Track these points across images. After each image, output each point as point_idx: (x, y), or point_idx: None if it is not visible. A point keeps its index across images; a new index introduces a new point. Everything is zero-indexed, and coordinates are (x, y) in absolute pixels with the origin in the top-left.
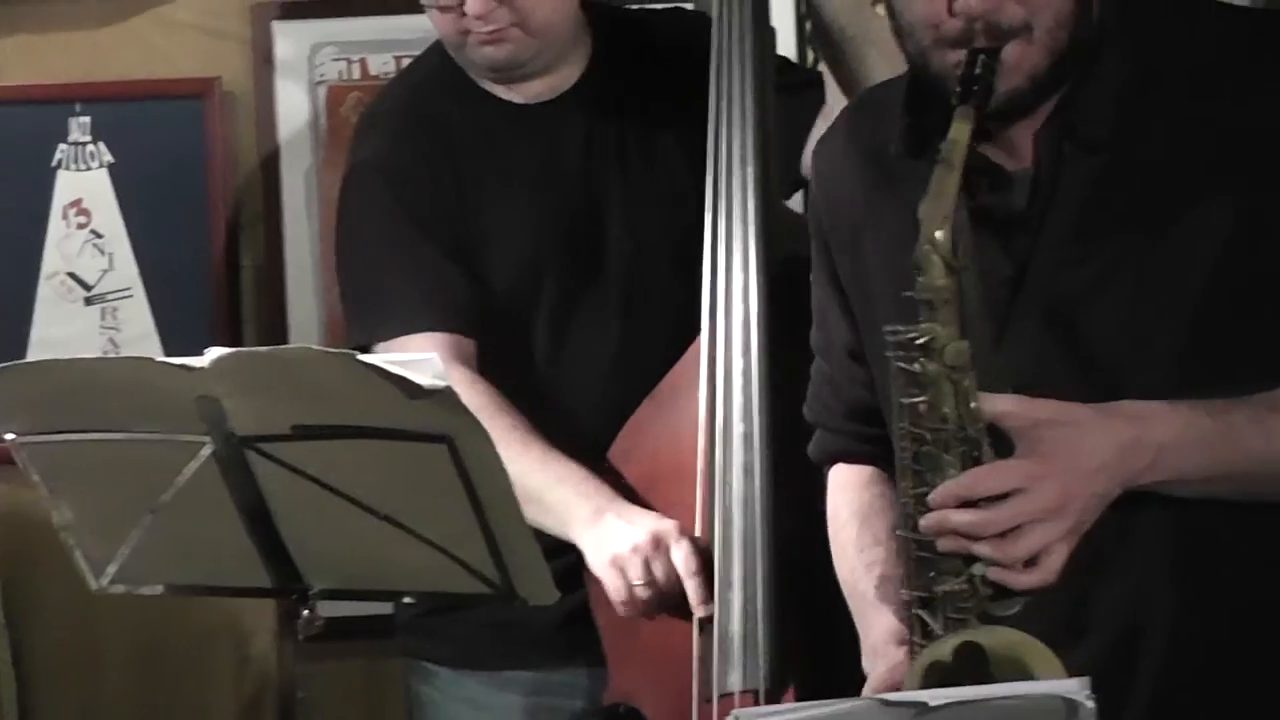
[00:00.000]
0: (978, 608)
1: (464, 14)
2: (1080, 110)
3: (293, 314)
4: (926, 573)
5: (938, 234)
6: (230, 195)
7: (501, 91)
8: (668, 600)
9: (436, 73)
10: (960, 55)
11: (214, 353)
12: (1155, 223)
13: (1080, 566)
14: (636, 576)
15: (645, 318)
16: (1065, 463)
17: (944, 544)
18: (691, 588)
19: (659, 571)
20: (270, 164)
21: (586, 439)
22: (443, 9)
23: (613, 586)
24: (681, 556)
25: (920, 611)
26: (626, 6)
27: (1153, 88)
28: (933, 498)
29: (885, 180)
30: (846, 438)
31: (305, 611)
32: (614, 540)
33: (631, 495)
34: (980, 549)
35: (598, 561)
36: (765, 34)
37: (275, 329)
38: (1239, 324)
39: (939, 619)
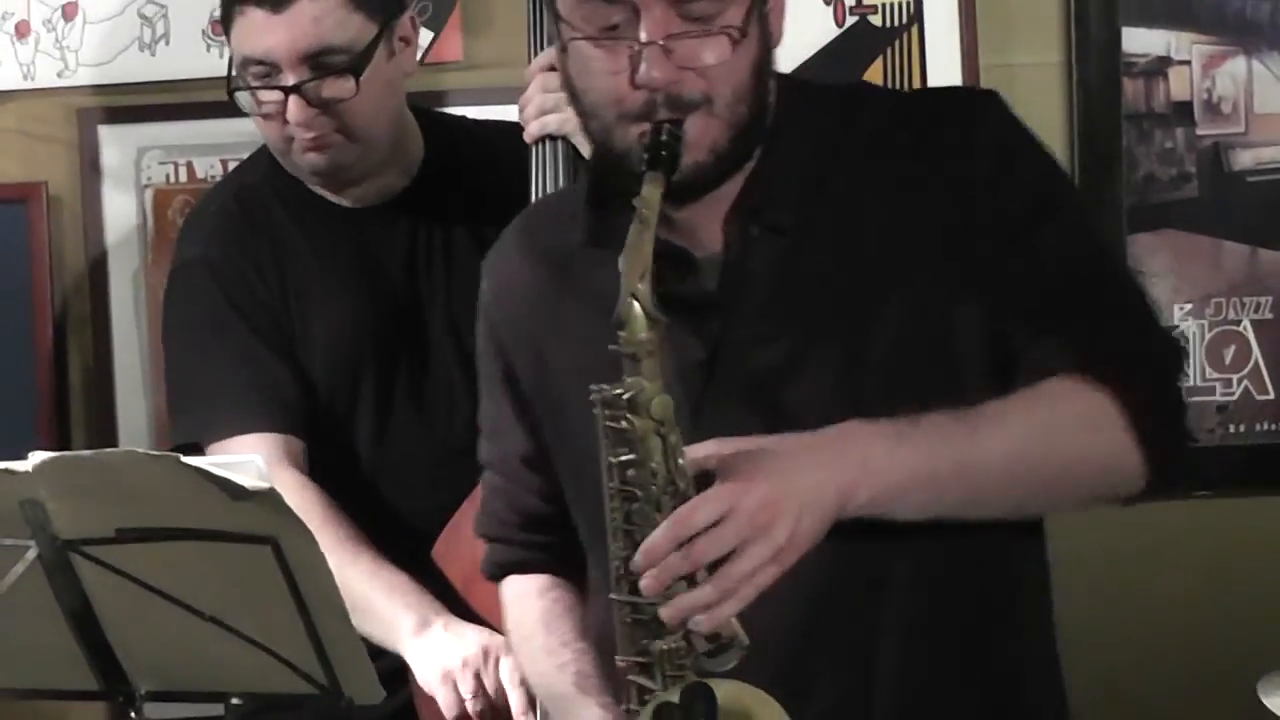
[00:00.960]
0: (695, 664)
1: (287, 121)
2: (764, 194)
3: (122, 416)
4: (641, 636)
5: (639, 286)
6: (57, 298)
7: (330, 195)
8: (499, 713)
9: (264, 175)
10: (644, 128)
11: (37, 456)
12: (842, 297)
13: (802, 616)
14: (468, 691)
15: (468, 418)
16: (767, 474)
17: (666, 613)
18: (515, 699)
19: (489, 684)
20: (98, 267)
21: (412, 538)
22: (266, 116)
23: (445, 701)
24: (508, 668)
25: (637, 678)
26: (459, 116)
27: (830, 169)
28: (638, 558)
29: (565, 283)
30: (522, 549)
31: (132, 714)
32: (443, 654)
33: (452, 595)
34: (701, 594)
35: (428, 675)
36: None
37: (104, 431)
38: (928, 388)
39: (658, 679)
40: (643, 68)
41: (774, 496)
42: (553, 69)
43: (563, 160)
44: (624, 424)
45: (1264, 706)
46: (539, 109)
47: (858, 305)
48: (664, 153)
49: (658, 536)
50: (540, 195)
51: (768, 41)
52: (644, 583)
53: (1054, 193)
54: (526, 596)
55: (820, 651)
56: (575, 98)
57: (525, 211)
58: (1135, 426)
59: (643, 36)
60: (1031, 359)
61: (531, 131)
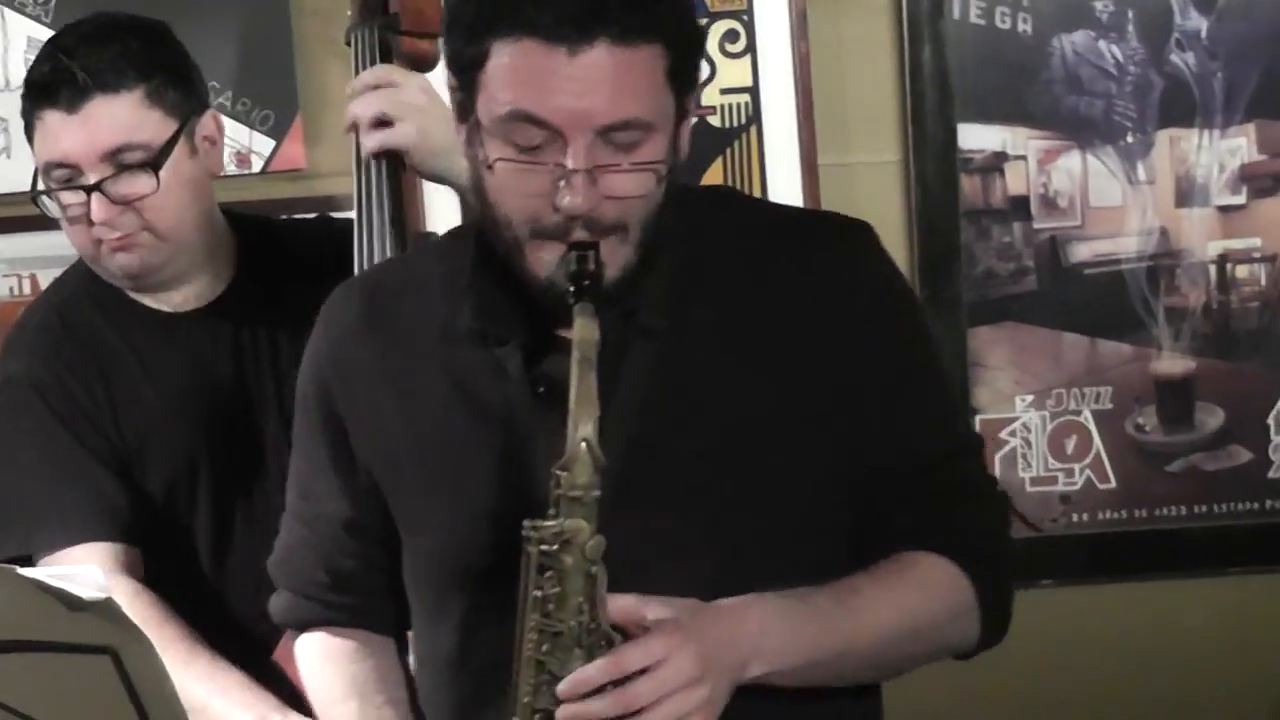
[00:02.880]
0: None
1: (92, 223)
2: (640, 299)
3: None
4: None
5: (588, 433)
6: None
7: (148, 300)
8: None
9: (82, 285)
10: (558, 248)
11: None
12: (711, 404)
13: None
14: None
15: None
16: (700, 633)
17: None
18: None
19: None
20: None
21: (254, 643)
22: (72, 221)
23: None
24: None
25: None
26: (267, 217)
27: (700, 276)
28: (565, 686)
29: (413, 355)
30: (325, 606)
31: None
32: None
33: (296, 698)
34: None
35: None
36: (403, 236)
37: None
38: (788, 509)
39: None
40: (567, 194)
41: (705, 655)
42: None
43: (388, 186)
44: (554, 561)
45: None
46: (374, 118)
47: (724, 420)
48: (588, 281)
49: (591, 671)
50: (368, 222)
51: (676, 162)
52: (564, 712)
53: (923, 340)
54: (337, 659)
55: None
56: (484, 203)
57: (369, 277)
58: (980, 600)
59: (569, 164)
60: (893, 526)
61: (369, 146)
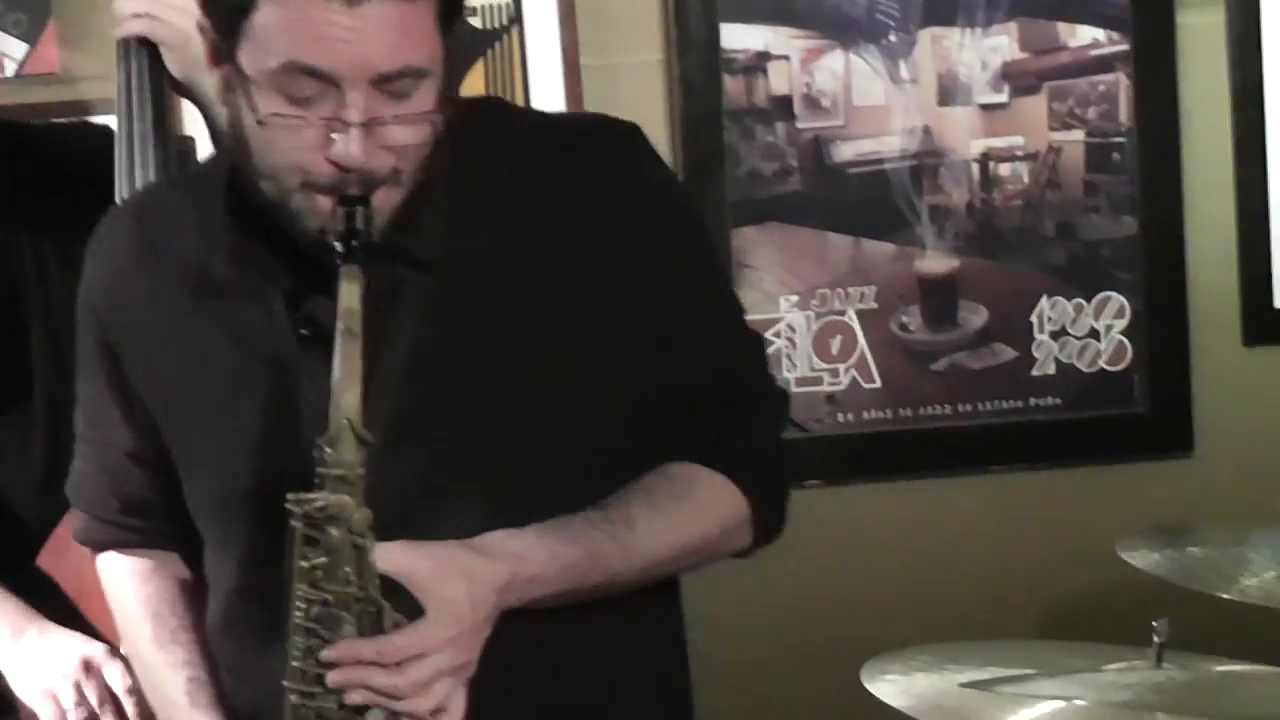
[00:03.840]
0: None
1: None
2: (414, 233)
3: None
4: None
5: (352, 410)
6: None
7: None
8: None
9: None
10: (329, 202)
11: None
12: (490, 335)
13: None
14: (69, 703)
15: (70, 440)
16: (467, 621)
17: (354, 697)
18: (129, 705)
19: (93, 695)
20: None
21: (17, 549)
22: None
23: (47, 714)
24: (116, 676)
25: None
26: (27, 122)
27: (476, 197)
28: (332, 655)
29: (186, 290)
30: (119, 529)
31: None
32: (41, 666)
33: (64, 605)
34: (396, 705)
35: (27, 689)
36: (166, 140)
37: None
38: (584, 419)
39: None
40: (341, 146)
41: (470, 648)
42: None
43: (150, 86)
44: (320, 534)
45: (867, 691)
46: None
47: (500, 352)
48: (355, 241)
49: (361, 647)
50: (129, 125)
51: (450, 107)
52: (334, 676)
53: (701, 245)
54: (129, 580)
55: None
56: (249, 155)
57: (138, 201)
58: (757, 516)
59: (348, 116)
60: (672, 440)
61: (128, 30)
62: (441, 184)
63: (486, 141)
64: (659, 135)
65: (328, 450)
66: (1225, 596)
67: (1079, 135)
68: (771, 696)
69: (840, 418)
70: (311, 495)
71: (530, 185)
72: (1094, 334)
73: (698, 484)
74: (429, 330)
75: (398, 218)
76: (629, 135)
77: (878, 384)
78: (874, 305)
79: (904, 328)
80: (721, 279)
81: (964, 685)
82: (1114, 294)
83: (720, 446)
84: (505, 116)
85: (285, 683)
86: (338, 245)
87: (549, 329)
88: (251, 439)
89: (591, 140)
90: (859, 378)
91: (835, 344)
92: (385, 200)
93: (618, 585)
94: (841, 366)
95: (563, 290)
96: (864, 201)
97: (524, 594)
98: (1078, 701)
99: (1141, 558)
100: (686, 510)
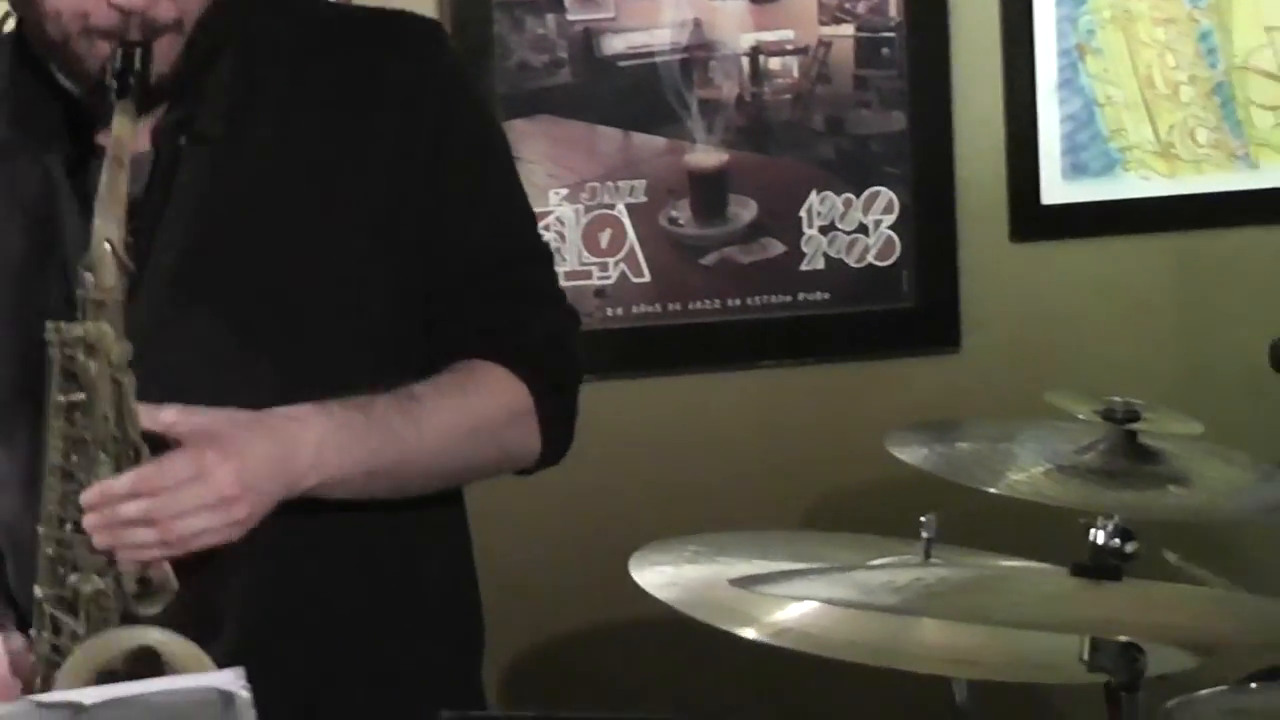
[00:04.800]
0: (121, 607)
1: None
2: (194, 100)
3: None
4: (65, 572)
5: (111, 234)
6: None
7: None
8: None
9: None
10: (109, 46)
11: None
12: (271, 217)
13: (213, 558)
14: None
15: None
16: (239, 453)
17: (101, 539)
18: None
19: None
20: None
21: None
22: None
23: None
24: None
25: (56, 611)
26: None
27: (267, 74)
28: (91, 496)
29: None
30: None
31: None
32: None
33: None
34: (144, 535)
35: None
36: None
37: None
38: (345, 326)
39: (80, 619)
40: None
41: (244, 475)
42: None
43: None
44: (78, 366)
45: (636, 584)
46: None
47: (286, 226)
48: (132, 80)
49: (117, 484)
50: None
51: None
52: (89, 519)
53: (491, 143)
54: None
55: (230, 593)
56: (30, 2)
57: None
58: (542, 416)
59: None
60: (457, 335)
61: None
62: (229, 60)
63: (280, 25)
64: None
65: (87, 275)
66: (992, 491)
67: (849, 30)
68: (540, 590)
69: (609, 312)
70: (71, 324)
71: (326, 69)
72: (863, 229)
73: (481, 371)
74: (213, 203)
75: (182, 82)
76: (430, 29)
77: (647, 278)
78: (644, 199)
79: (673, 221)
80: (513, 185)
81: (733, 582)
82: (883, 189)
83: (502, 340)
84: (302, 1)
85: (40, 528)
86: (113, 81)
87: (335, 209)
88: (22, 298)
89: (390, 31)
90: (628, 272)
91: (604, 238)
92: (168, 48)
93: (413, 471)
94: (611, 260)
95: (351, 171)
96: (634, 94)
97: (319, 462)
98: (844, 603)
99: (909, 452)
100: (471, 391)
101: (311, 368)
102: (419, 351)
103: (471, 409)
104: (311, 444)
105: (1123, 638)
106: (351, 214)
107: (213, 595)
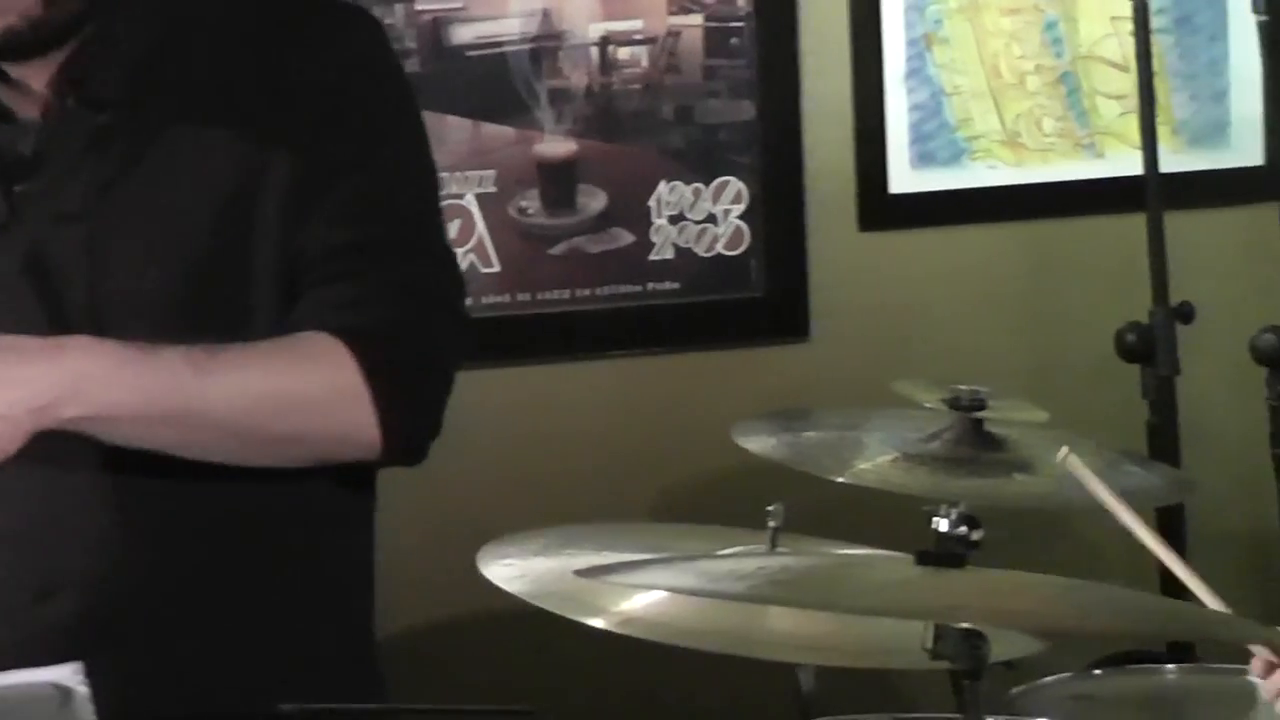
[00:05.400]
0: None
1: None
2: (88, 64)
3: None
4: None
5: None
6: None
7: None
8: None
9: None
10: None
11: None
12: (156, 188)
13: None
14: None
15: None
16: None
17: None
18: None
19: None
20: None
21: None
22: None
23: None
24: None
25: None
26: None
27: (172, 46)
28: None
29: None
30: None
31: None
32: None
33: None
34: None
35: None
36: None
37: None
38: (218, 302)
39: None
40: None
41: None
42: None
43: None
44: None
45: (484, 577)
46: None
47: (170, 199)
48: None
49: None
50: None
51: None
52: None
53: (400, 137)
54: None
55: (54, 567)
56: None
57: None
58: (378, 401)
59: None
60: (307, 305)
61: None
62: (133, 26)
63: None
64: None
65: None
66: (839, 480)
67: (698, 19)
68: (388, 582)
69: None
70: None
71: (245, 49)
72: (711, 218)
73: (309, 342)
74: (93, 171)
75: (79, 58)
76: (372, 20)
77: (496, 268)
78: (493, 189)
79: (523, 211)
80: (415, 178)
81: (579, 573)
82: (732, 179)
83: (344, 315)
84: None
85: None
86: None
87: (226, 187)
88: None
89: (329, 13)
90: (477, 262)
91: (454, 228)
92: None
93: (201, 426)
94: (460, 250)
95: (249, 152)
96: (483, 84)
97: (80, 394)
98: (691, 591)
99: (757, 442)
100: (285, 358)
101: (171, 332)
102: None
103: (280, 375)
104: (69, 372)
105: (965, 624)
106: (245, 189)
107: (49, 560)
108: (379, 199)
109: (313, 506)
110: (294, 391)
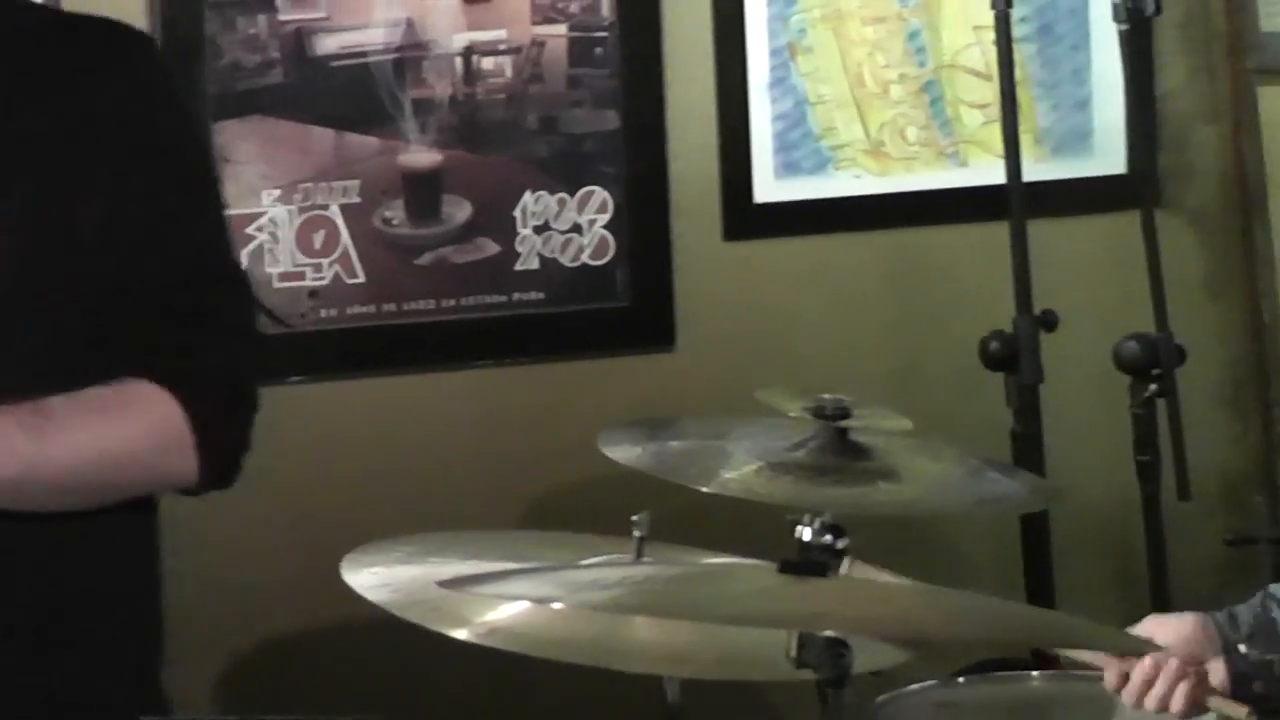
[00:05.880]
0: None
1: None
2: None
3: None
4: None
5: None
6: None
7: None
8: None
9: None
10: None
11: None
12: None
13: None
14: None
15: None
16: None
17: None
18: None
19: None
20: None
21: None
22: None
23: None
24: None
25: None
26: None
27: None
28: None
29: None
30: None
31: None
32: None
33: None
34: None
35: None
36: None
37: None
38: (24, 340)
39: None
40: None
41: None
42: None
43: None
44: None
45: (348, 586)
46: None
47: None
48: None
49: None
50: None
51: None
52: None
53: (191, 161)
54: None
55: None
56: None
57: None
58: (201, 445)
59: None
60: (126, 352)
61: None
62: None
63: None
64: (137, 25)
65: None
66: (705, 490)
67: (562, 29)
68: (253, 591)
69: (323, 313)
70: None
71: (30, 73)
72: (577, 228)
73: (133, 391)
74: None
75: None
76: (139, 40)
77: (361, 279)
78: (357, 199)
79: (387, 222)
80: (206, 206)
81: (442, 584)
82: (597, 188)
83: (166, 363)
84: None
85: None
86: None
87: (15, 220)
88: None
89: (96, 39)
90: (342, 273)
91: (318, 239)
92: None
93: (35, 488)
94: (325, 261)
95: (37, 184)
96: (347, 94)
97: None
98: (555, 604)
99: (622, 451)
100: (114, 412)
101: None
102: (100, 366)
103: (110, 430)
104: None
105: (828, 633)
106: (37, 220)
107: None
108: (165, 230)
109: (96, 534)
110: (125, 448)
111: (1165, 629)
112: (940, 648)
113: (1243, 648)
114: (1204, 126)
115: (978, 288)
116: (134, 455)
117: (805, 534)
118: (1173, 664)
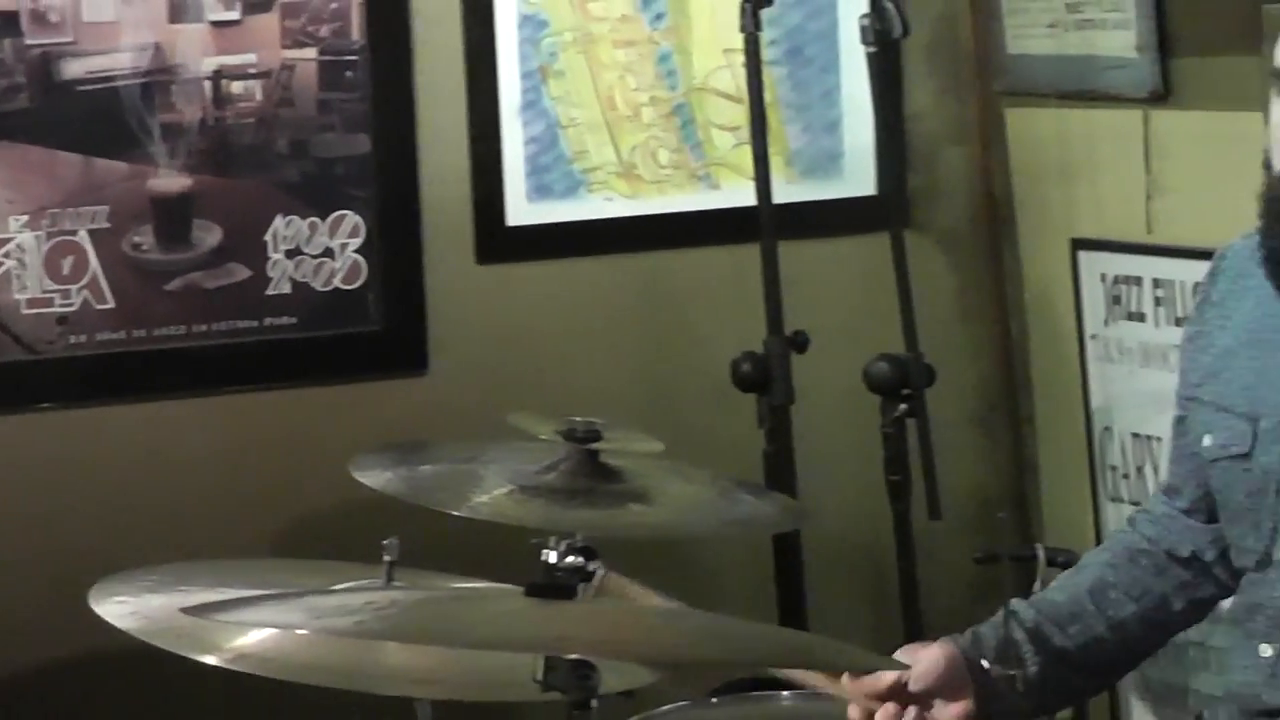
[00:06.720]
0: None
1: None
2: None
3: None
4: None
5: None
6: None
7: None
8: None
9: None
10: None
11: None
12: None
13: None
14: None
15: None
16: None
17: None
18: None
19: None
20: None
21: None
22: None
23: None
24: None
25: None
26: None
27: None
28: None
29: None
30: None
31: None
32: None
33: None
34: None
35: None
36: None
37: None
38: None
39: None
40: None
41: None
42: None
43: None
44: None
45: (96, 614)
46: None
47: None
48: None
49: None
50: None
51: None
52: None
53: None
54: None
55: None
56: None
57: None
58: None
59: None
60: None
61: None
62: None
63: None
64: None
65: None
66: (456, 513)
67: (312, 53)
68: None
69: (72, 339)
70: None
71: None
72: (329, 252)
73: None
74: None
75: None
76: None
77: (111, 304)
78: (106, 225)
79: (137, 247)
80: None
81: (185, 611)
82: (349, 212)
83: None
84: None
85: None
86: None
87: None
88: None
89: None
90: (91, 298)
91: (67, 264)
92: None
93: None
94: (74, 287)
95: None
96: (95, 119)
97: None
98: (299, 631)
99: (374, 476)
100: None
101: None
102: None
103: None
104: None
105: (573, 655)
106: None
107: None
108: None
109: None
110: None
111: (913, 657)
112: (692, 669)
113: (985, 663)
114: (953, 148)
115: (729, 309)
116: None
117: (551, 557)
118: (910, 713)
